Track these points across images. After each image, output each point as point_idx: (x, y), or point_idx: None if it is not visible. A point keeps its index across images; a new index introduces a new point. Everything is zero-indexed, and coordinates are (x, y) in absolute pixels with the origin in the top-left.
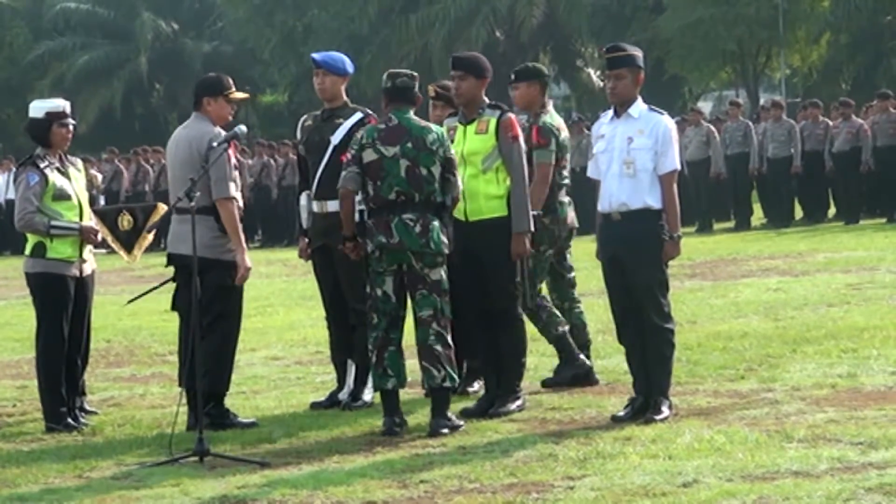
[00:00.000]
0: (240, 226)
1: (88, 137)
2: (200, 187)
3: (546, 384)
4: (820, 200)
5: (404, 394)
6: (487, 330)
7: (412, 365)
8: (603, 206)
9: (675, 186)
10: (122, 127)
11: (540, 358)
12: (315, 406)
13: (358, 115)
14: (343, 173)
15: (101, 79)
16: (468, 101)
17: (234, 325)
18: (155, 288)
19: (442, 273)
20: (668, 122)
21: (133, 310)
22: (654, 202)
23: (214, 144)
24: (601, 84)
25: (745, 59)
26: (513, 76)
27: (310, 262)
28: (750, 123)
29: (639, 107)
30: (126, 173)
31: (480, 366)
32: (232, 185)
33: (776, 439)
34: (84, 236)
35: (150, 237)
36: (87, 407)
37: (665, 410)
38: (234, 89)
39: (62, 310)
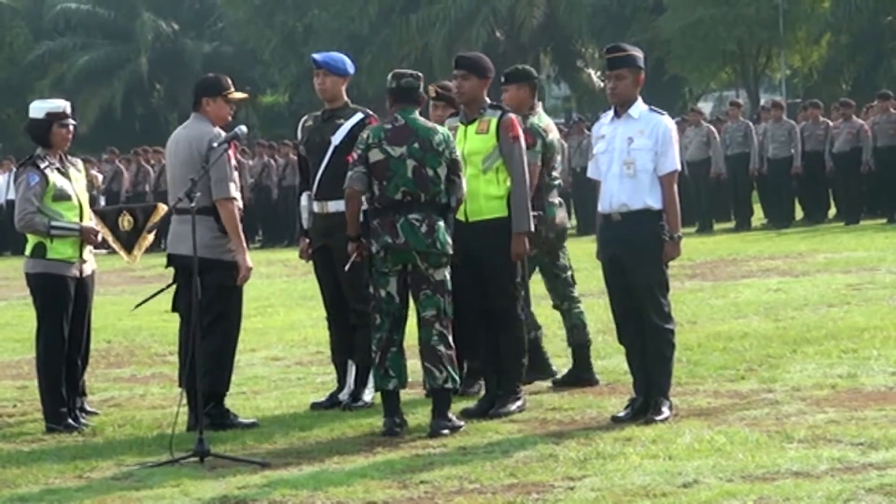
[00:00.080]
0: (240, 226)
1: (89, 138)
2: (200, 188)
3: (557, 383)
4: (820, 201)
5: (405, 394)
6: (488, 330)
7: (413, 365)
8: (603, 206)
9: (675, 187)
10: (122, 127)
11: None
12: (315, 406)
13: (358, 116)
14: (349, 173)
15: (102, 79)
16: (470, 100)
17: (234, 325)
18: (159, 292)
19: (446, 273)
20: (668, 123)
21: (132, 310)
22: (655, 203)
23: (215, 145)
24: (601, 84)
25: (746, 60)
26: (503, 78)
27: (310, 262)
28: (750, 124)
29: (639, 107)
30: (126, 174)
31: (481, 366)
32: (232, 186)
33: (776, 440)
34: (84, 237)
35: (151, 237)
36: (88, 407)
37: (665, 411)
38: (232, 89)
39: (62, 310)
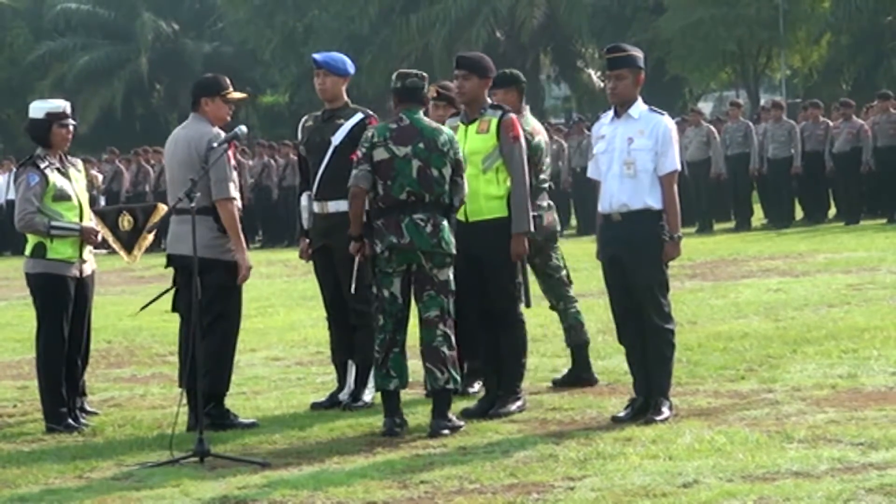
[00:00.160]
0: (240, 226)
1: (89, 138)
2: (200, 188)
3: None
4: (820, 201)
5: (405, 394)
6: (488, 330)
7: (413, 365)
8: (603, 206)
9: (675, 187)
10: (122, 127)
11: (540, 358)
12: (315, 406)
13: (359, 116)
14: (354, 171)
15: (102, 79)
16: (471, 100)
17: (234, 325)
18: (161, 295)
19: (450, 274)
20: (668, 123)
21: (133, 310)
22: (655, 203)
23: (214, 145)
24: (602, 85)
25: (746, 60)
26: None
27: (310, 262)
28: (750, 124)
29: (639, 107)
30: (126, 174)
31: (481, 366)
32: (232, 186)
33: (776, 440)
34: (84, 237)
35: (151, 237)
36: (88, 407)
37: (665, 411)
38: (231, 89)
39: (62, 310)
